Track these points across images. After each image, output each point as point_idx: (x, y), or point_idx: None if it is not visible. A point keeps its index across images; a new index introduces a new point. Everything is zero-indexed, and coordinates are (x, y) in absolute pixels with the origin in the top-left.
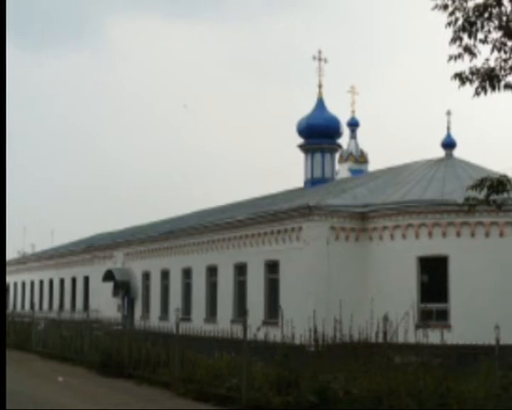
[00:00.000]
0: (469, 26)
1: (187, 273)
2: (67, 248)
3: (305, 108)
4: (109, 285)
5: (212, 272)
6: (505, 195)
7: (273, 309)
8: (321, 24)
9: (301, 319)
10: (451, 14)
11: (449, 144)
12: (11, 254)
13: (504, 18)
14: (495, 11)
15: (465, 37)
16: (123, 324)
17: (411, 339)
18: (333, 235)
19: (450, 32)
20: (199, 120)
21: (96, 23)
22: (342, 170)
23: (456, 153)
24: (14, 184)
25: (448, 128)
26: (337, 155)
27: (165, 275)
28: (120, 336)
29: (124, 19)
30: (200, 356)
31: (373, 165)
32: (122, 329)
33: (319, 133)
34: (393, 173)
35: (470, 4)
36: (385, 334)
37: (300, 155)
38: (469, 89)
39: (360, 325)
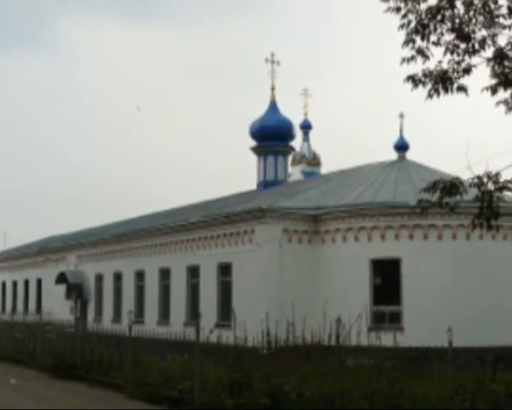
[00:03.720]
0: (422, 29)
1: (140, 276)
2: (20, 250)
3: (258, 110)
4: (62, 288)
5: (164, 274)
6: (458, 197)
7: (226, 312)
8: (274, 26)
9: (254, 322)
10: (404, 16)
11: (401, 147)
12: None
13: (457, 20)
14: (448, 13)
15: (418, 39)
16: (76, 326)
17: (364, 341)
18: (285, 237)
19: (402, 35)
20: (152, 123)
21: (49, 26)
22: (295, 172)
23: (409, 155)
24: None
25: (401, 130)
26: (290, 158)
27: (117, 277)
28: (73, 338)
29: (77, 21)
30: (153, 359)
31: (326, 167)
32: (75, 331)
33: (272, 136)
34: (346, 176)
35: (423, 7)
36: (337, 336)
37: (253, 158)
38: (422, 91)
39: (313, 328)
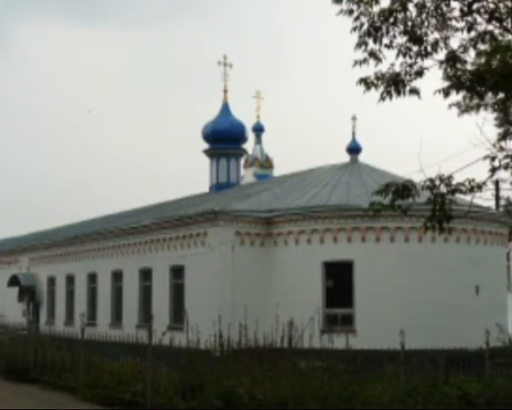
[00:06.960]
0: (374, 31)
1: (92, 278)
2: None
3: (211, 113)
4: (14, 290)
5: (117, 277)
6: (410, 200)
7: (178, 314)
8: (226, 29)
9: (206, 324)
10: (356, 18)
11: (354, 149)
12: None
13: (410, 23)
14: (400, 16)
15: (370, 42)
16: (28, 329)
17: (316, 344)
18: (238, 240)
19: (355, 37)
20: (104, 125)
21: (2, 28)
22: (247, 175)
23: (362, 158)
24: None
25: (353, 133)
26: (242, 160)
27: (70, 280)
28: (25, 341)
29: (30, 23)
30: (106, 361)
31: (278, 170)
32: (27, 334)
33: (224, 138)
34: (298, 178)
35: (375, 9)
36: (290, 339)
37: (206, 160)
38: (375, 94)
39: (265, 330)
